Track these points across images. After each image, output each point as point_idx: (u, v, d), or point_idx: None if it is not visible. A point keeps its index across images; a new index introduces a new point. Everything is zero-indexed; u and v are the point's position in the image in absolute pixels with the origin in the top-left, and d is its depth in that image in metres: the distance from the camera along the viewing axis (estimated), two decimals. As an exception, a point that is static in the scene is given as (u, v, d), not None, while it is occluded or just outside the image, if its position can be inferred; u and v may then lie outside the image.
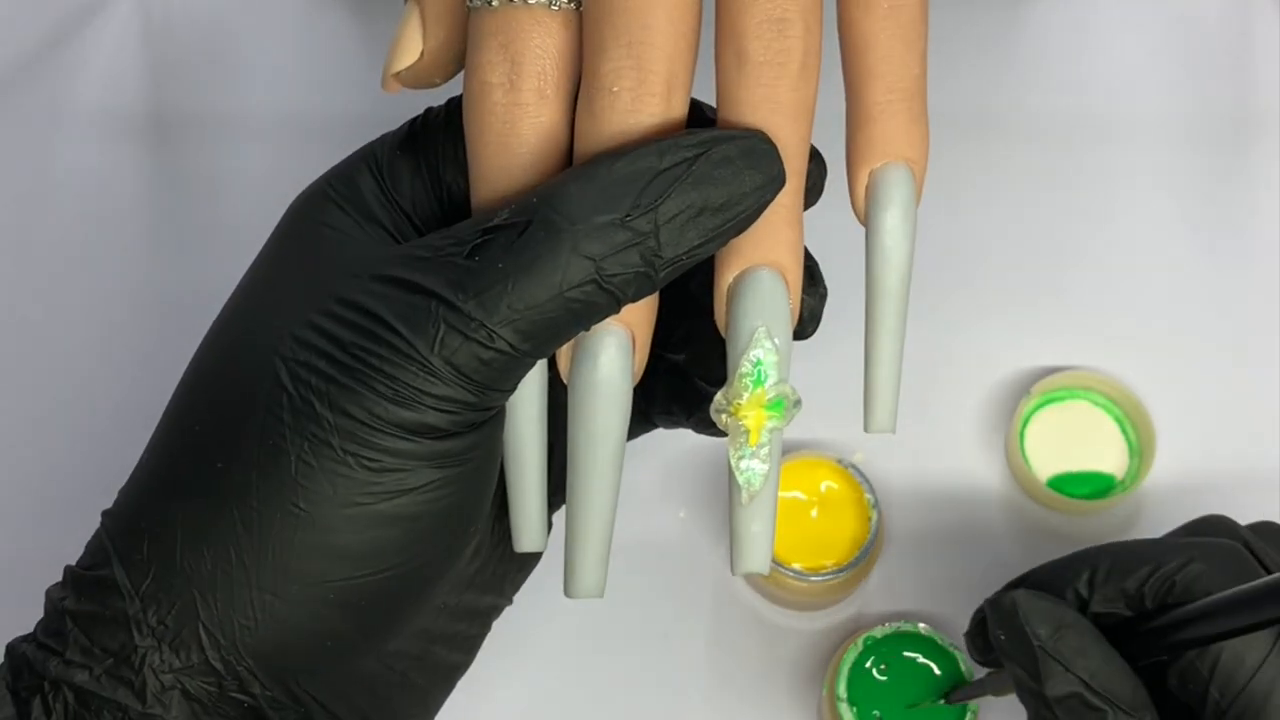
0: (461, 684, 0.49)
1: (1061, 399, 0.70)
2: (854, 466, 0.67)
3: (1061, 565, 0.53)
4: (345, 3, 0.81)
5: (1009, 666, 0.51)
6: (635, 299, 0.39)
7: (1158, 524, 0.68)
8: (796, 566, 0.64)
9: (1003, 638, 0.51)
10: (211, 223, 0.74)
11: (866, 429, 0.43)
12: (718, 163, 0.38)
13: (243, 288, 0.43)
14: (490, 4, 0.40)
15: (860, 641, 0.63)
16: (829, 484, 0.67)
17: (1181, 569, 0.50)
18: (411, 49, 0.43)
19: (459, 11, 0.43)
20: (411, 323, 0.38)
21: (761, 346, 0.40)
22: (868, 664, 0.63)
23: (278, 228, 0.44)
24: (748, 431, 0.41)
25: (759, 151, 0.39)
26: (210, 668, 0.40)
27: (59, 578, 0.43)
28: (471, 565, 0.47)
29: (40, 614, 0.43)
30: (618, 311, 0.39)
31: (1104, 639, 0.50)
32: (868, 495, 0.66)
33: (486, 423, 0.40)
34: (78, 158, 0.77)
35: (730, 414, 0.41)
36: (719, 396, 0.41)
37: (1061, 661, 0.49)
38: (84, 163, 0.76)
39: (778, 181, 0.39)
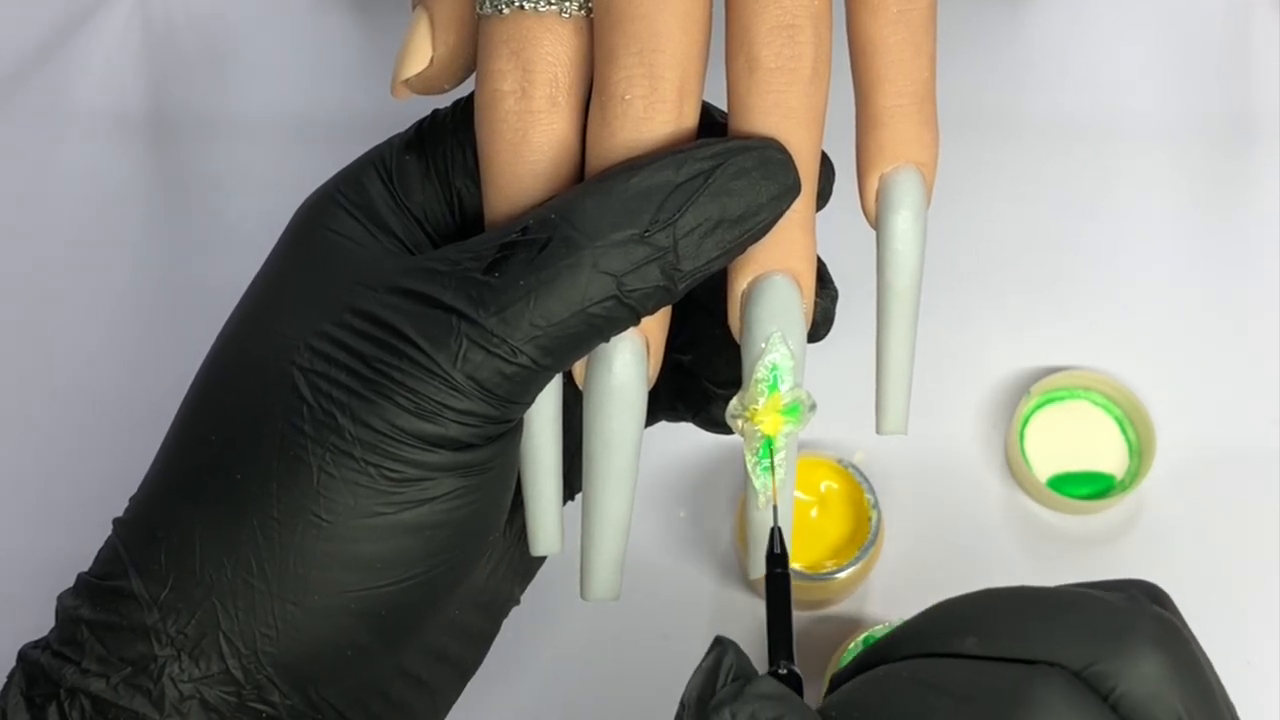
0: (464, 682, 0.49)
1: (1061, 399, 0.70)
2: (854, 466, 0.67)
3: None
4: (346, 3, 0.80)
5: None
6: (654, 311, 0.39)
7: (1158, 524, 0.68)
8: (796, 566, 0.64)
9: None
10: (212, 223, 0.74)
11: (879, 431, 0.43)
12: (734, 175, 0.39)
13: (252, 293, 0.43)
14: (501, 11, 0.40)
15: (860, 641, 0.63)
16: (829, 484, 0.67)
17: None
18: (421, 56, 0.43)
19: (468, 18, 0.42)
20: (432, 337, 0.38)
21: (777, 351, 0.40)
22: (868, 664, 0.63)
23: (286, 232, 0.44)
24: (764, 437, 0.41)
25: (774, 162, 0.39)
26: (230, 677, 0.40)
27: (64, 582, 0.43)
28: (486, 568, 0.47)
29: (46, 618, 0.43)
30: (637, 324, 0.39)
31: None
32: (868, 495, 0.66)
33: (506, 433, 0.40)
34: (78, 158, 0.76)
35: (746, 419, 0.41)
36: (734, 402, 0.41)
37: None
38: (84, 163, 0.76)
39: (794, 191, 0.39)
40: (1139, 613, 0.37)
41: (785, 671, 0.41)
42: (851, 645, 0.63)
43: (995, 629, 0.38)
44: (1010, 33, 0.81)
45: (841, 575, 0.64)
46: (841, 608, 0.67)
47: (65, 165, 0.76)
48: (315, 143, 0.75)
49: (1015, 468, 0.69)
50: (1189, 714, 0.36)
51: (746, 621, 0.67)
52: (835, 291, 0.44)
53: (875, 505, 0.66)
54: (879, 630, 0.63)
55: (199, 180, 0.76)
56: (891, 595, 0.67)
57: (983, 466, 0.70)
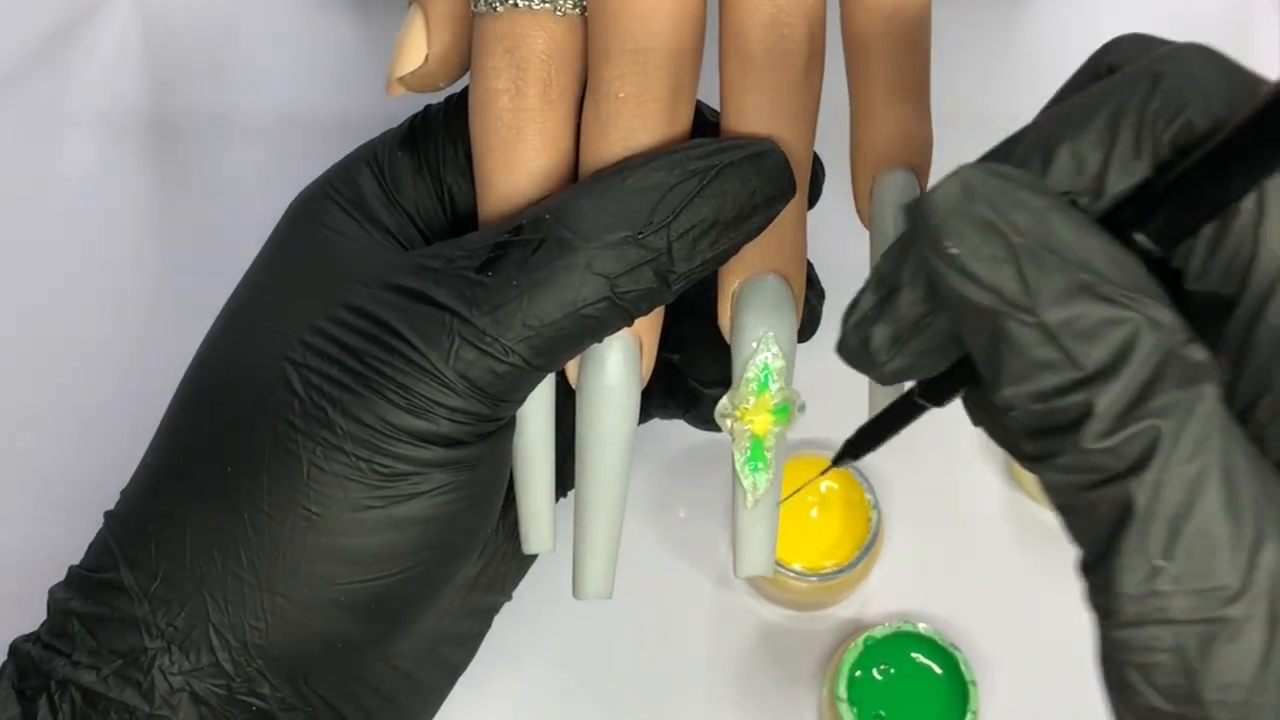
0: (459, 682, 0.49)
1: (1061, 399, 0.70)
2: (854, 466, 0.66)
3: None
4: (346, 2, 0.80)
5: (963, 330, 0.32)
6: (647, 313, 0.39)
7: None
8: (797, 566, 0.64)
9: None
10: (211, 223, 0.74)
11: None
12: (729, 177, 0.39)
13: (245, 287, 0.43)
14: (495, 9, 0.40)
15: (860, 641, 0.63)
16: (829, 484, 0.67)
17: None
18: (416, 53, 0.43)
19: (463, 16, 0.43)
20: (425, 335, 0.38)
21: (768, 351, 0.40)
22: (868, 664, 0.63)
23: (278, 227, 0.44)
24: (753, 436, 0.41)
25: (769, 163, 0.39)
26: (220, 669, 0.40)
27: (56, 575, 0.43)
28: (477, 565, 0.47)
29: (38, 611, 0.43)
30: (630, 324, 0.39)
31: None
32: (868, 495, 0.66)
33: (497, 431, 0.41)
34: (78, 158, 0.76)
35: (736, 419, 0.41)
36: (724, 401, 0.41)
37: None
38: (84, 163, 0.76)
39: (788, 192, 0.39)
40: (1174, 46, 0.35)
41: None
42: (851, 645, 0.62)
43: None
44: (1009, 33, 0.81)
45: (841, 575, 0.64)
46: (841, 608, 0.67)
47: (65, 165, 0.76)
48: (315, 143, 0.75)
49: (1015, 468, 0.69)
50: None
51: (747, 622, 0.67)
52: (822, 290, 0.44)
53: (875, 505, 0.65)
54: (879, 630, 0.63)
55: (198, 180, 0.76)
56: (892, 595, 0.67)
57: (983, 466, 0.70)
